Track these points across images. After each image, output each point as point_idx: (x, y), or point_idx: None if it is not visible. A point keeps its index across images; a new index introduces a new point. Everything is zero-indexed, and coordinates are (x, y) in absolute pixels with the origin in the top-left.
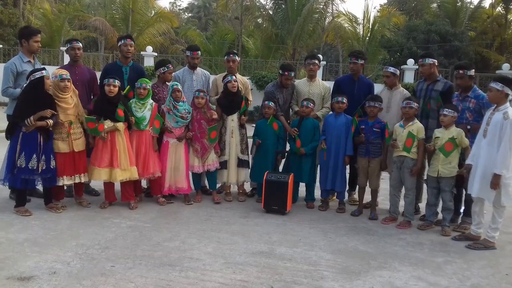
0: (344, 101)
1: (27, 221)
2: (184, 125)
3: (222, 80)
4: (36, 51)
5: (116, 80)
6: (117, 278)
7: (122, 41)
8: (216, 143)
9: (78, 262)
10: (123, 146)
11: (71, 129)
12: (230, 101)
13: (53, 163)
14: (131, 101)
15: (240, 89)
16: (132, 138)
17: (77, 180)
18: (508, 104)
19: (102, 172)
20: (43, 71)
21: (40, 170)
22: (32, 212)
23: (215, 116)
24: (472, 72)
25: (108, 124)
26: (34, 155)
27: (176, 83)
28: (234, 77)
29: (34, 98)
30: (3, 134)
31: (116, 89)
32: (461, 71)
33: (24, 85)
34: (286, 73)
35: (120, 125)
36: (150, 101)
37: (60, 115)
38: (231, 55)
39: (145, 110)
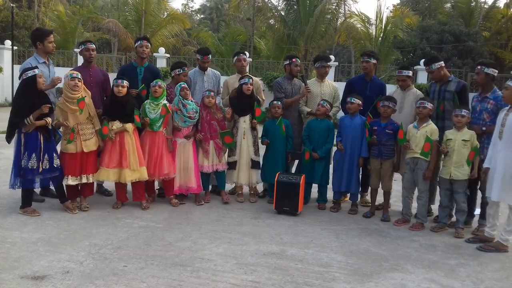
0: (353, 101)
1: (41, 221)
2: (191, 124)
3: (239, 80)
4: (52, 52)
5: (124, 81)
6: (129, 278)
7: (138, 42)
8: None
9: (91, 261)
10: (132, 146)
11: (73, 137)
12: (243, 103)
13: (56, 162)
14: (145, 102)
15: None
16: (145, 140)
17: (84, 180)
18: None
19: (110, 173)
20: (35, 70)
21: (41, 169)
22: (39, 212)
23: (228, 115)
24: (491, 71)
25: (117, 125)
26: (34, 155)
27: (183, 82)
28: (250, 80)
29: (28, 97)
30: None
31: (125, 89)
32: (478, 67)
33: (17, 86)
34: (293, 59)
35: (129, 126)
36: (164, 102)
37: (69, 116)
38: (240, 55)
39: (158, 112)
